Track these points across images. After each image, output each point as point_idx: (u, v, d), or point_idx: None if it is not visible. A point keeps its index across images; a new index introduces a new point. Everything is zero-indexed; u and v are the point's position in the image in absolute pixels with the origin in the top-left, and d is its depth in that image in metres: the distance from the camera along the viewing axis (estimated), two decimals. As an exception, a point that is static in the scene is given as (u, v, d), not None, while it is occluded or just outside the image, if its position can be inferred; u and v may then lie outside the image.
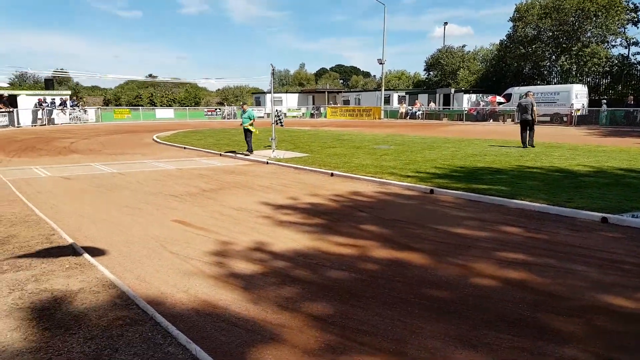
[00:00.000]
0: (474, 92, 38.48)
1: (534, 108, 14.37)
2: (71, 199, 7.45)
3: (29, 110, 28.04)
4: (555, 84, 35.72)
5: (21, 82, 51.02)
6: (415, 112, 37.23)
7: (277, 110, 14.68)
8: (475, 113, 34.04)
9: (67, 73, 49.24)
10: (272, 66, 13.50)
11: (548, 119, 29.43)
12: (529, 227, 5.67)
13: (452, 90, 38.74)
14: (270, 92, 34.32)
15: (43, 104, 29.05)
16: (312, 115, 44.64)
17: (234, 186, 8.63)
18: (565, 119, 29.14)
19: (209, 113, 41.85)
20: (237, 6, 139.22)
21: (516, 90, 31.28)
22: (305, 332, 3.07)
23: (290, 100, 47.93)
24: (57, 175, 9.82)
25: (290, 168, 10.91)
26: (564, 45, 35.57)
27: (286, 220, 6.01)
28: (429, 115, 36.41)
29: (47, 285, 3.72)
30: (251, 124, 13.06)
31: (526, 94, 15.32)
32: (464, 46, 48.62)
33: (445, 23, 55.25)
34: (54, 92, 34.30)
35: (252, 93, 57.05)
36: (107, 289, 3.67)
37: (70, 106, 31.56)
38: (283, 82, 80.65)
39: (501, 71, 41.09)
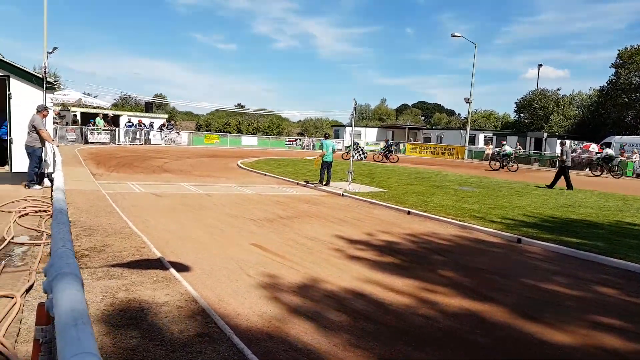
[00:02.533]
0: (568, 138, 35.87)
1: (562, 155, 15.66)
2: (161, 215, 8.03)
3: (129, 129, 31.14)
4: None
5: (124, 103, 56.56)
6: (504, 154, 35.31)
7: (355, 144, 14.85)
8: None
9: (165, 98, 54.14)
10: (354, 101, 13.83)
11: None
12: (629, 290, 5.07)
13: (545, 134, 36.41)
14: (350, 126, 34.96)
15: (142, 125, 32.18)
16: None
17: (308, 215, 8.77)
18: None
19: (290, 143, 43.46)
20: (324, 43, 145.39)
21: (617, 140, 28.71)
22: (377, 376, 2.97)
23: (369, 135, 48.26)
24: (150, 192, 10.65)
25: (366, 202, 10.86)
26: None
27: (359, 256, 5.96)
28: (518, 159, 34.36)
29: (135, 295, 4.00)
30: (322, 156, 13.52)
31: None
32: (559, 89, 45.99)
33: (540, 65, 53.07)
34: (152, 114, 37.88)
35: (332, 125, 58.28)
36: (190, 304, 3.86)
37: (168, 128, 34.54)
38: (363, 117, 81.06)
39: (600, 118, 38.01)
